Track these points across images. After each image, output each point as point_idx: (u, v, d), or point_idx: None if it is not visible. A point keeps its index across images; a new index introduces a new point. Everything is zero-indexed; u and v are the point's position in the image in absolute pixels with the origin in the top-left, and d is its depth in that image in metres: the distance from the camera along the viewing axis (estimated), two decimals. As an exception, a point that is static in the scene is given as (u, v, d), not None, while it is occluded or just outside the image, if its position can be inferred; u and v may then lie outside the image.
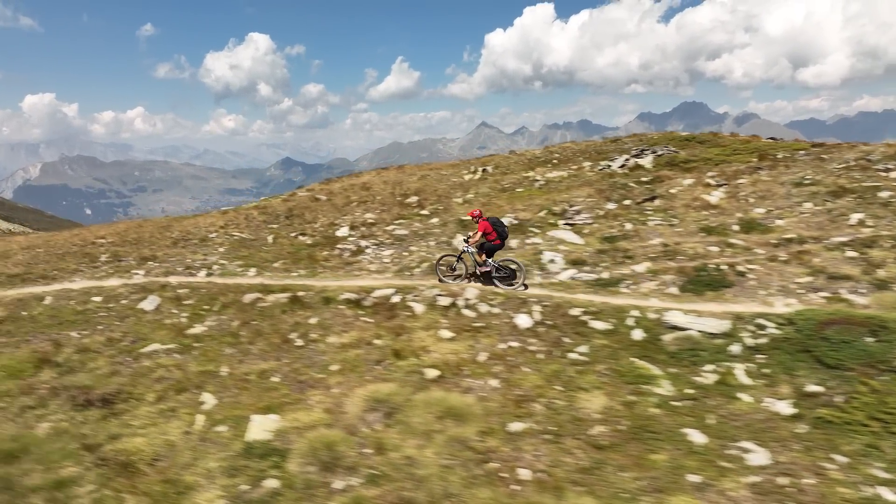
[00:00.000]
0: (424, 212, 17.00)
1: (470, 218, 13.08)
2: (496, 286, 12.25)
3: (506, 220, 15.21)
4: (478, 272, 12.70)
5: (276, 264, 14.39)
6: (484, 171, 21.97)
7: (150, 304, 11.89)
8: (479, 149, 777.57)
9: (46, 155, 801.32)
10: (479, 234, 12.39)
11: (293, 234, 16.43)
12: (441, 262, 13.07)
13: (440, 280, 12.68)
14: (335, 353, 10.15)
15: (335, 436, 7.67)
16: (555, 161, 22.74)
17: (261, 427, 8.11)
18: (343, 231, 16.18)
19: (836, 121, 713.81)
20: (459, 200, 18.01)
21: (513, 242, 14.34)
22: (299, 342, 10.50)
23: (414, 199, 18.14)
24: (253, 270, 13.96)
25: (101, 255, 14.36)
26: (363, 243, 15.15)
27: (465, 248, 12.83)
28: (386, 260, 14.02)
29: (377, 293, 11.91)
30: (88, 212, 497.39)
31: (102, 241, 15.49)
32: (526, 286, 12.33)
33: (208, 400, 8.78)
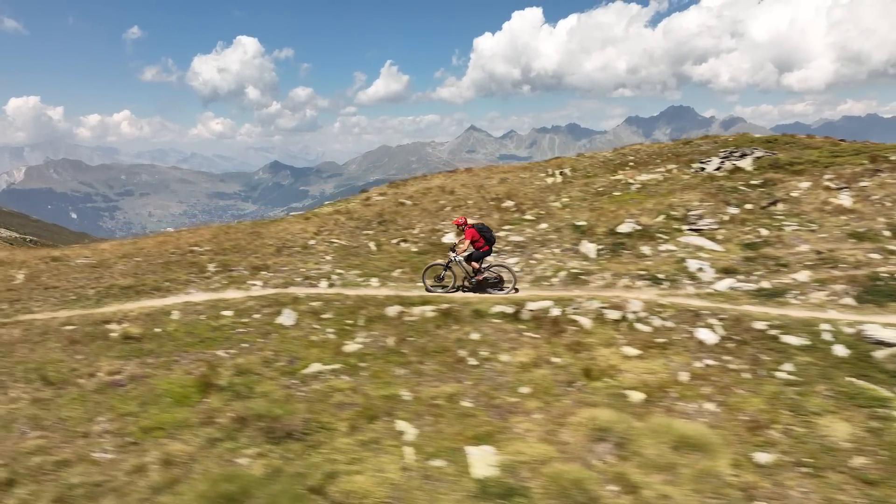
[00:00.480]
0: (528, 217, 16.18)
1: (455, 227, 12.92)
2: (489, 293, 12.22)
3: (628, 226, 14.45)
4: (472, 281, 12.50)
5: (394, 273, 13.50)
6: (562, 173, 21.22)
7: (287, 318, 10.95)
8: (468, 152, 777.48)
9: (31, 158, 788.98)
10: (467, 242, 12.24)
11: (394, 241, 15.54)
12: (428, 271, 12.78)
13: (427, 290, 12.40)
14: (517, 374, 9.30)
15: (576, 471, 6.83)
16: (631, 164, 22.07)
17: (483, 461, 7.24)
18: (449, 238, 15.30)
19: (821, 125, 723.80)
20: (558, 204, 17.22)
21: (645, 249, 13.57)
22: (473, 361, 9.63)
23: (510, 203, 17.31)
24: (374, 280, 13.07)
25: (208, 264, 13.36)
26: (480, 251, 14.27)
27: (453, 258, 12.53)
28: (515, 269, 13.16)
29: (532, 306, 11.07)
30: (74, 216, 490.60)
31: (198, 248, 14.47)
32: (517, 290, 12.22)
33: (406, 429, 7.86)
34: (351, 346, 10.12)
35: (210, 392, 8.68)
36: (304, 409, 8.21)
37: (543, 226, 15.44)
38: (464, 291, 12.46)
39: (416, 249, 15.04)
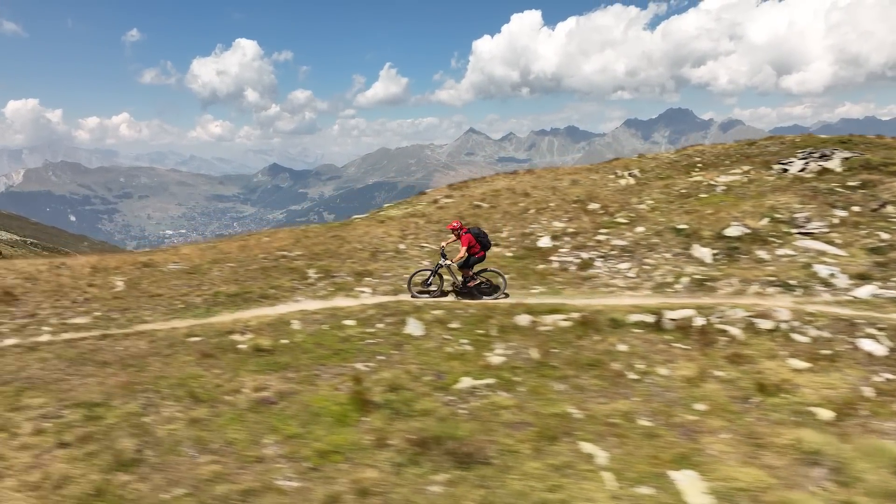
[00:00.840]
0: (620, 220, 15.57)
1: (450, 231, 12.10)
2: (478, 299, 11.77)
3: (736, 230, 13.86)
4: (462, 288, 12.03)
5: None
6: (632, 175, 20.65)
7: (415, 328, 10.32)
8: (467, 155, 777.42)
9: (30, 161, 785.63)
10: (464, 249, 11.71)
11: (486, 246, 14.91)
12: (414, 277, 12.21)
13: (413, 296, 11.81)
14: (686, 389, 8.70)
15: (804, 501, 6.23)
16: (699, 165, 21.52)
17: (693, 488, 6.61)
18: (545, 241, 14.70)
19: (819, 127, 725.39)
20: (644, 207, 16.62)
21: (762, 254, 12.98)
22: (632, 375, 9.02)
23: (595, 205, 16.71)
24: (484, 287, 12.45)
25: (307, 269, 12.72)
26: (584, 255, 13.69)
27: (443, 263, 11.95)
28: (630, 274, 12.57)
29: (672, 314, 10.48)
30: (73, 218, 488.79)
31: (288, 253, 13.83)
32: (507, 295, 11.90)
33: (594, 451, 7.23)
34: (494, 359, 9.50)
35: (368, 410, 8.06)
36: (480, 430, 7.60)
37: (640, 229, 14.84)
38: (456, 297, 11.97)
39: (511, 254, 14.43)
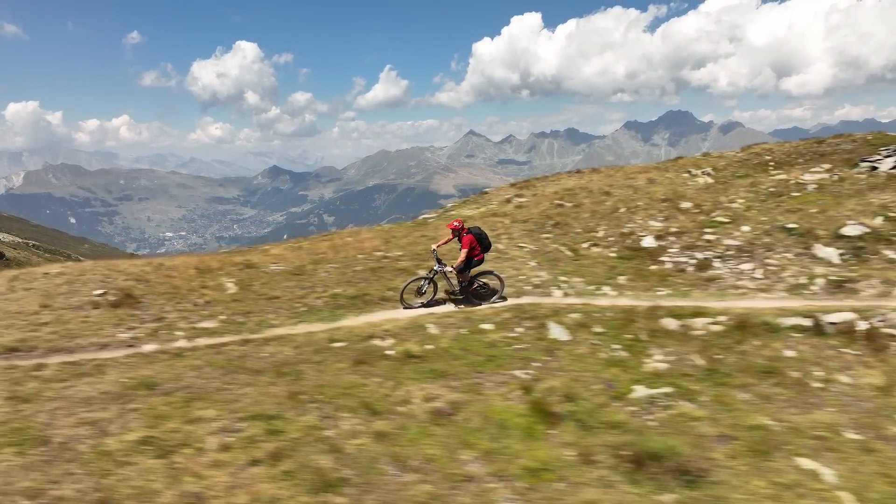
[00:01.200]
0: (721, 218, 14.97)
1: (451, 231, 11.07)
2: (475, 305, 10.94)
3: (854, 229, 13.27)
4: (459, 293, 11.12)
5: (619, 280, 12.28)
6: (706, 173, 20.08)
7: (559, 333, 9.71)
8: (467, 157, 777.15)
9: (30, 163, 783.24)
10: (465, 251, 10.70)
11: (585, 245, 14.31)
12: (408, 287, 11.00)
13: (405, 307, 10.73)
14: (879, 398, 8.12)
15: None
16: (771, 163, 20.99)
17: None
18: (649, 241, 14.08)
19: (819, 129, 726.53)
20: (737, 206, 16.02)
21: (890, 254, 12.38)
22: (815, 384, 8.41)
23: (687, 204, 16.11)
24: (606, 288, 11.84)
25: (417, 270, 12.10)
26: (698, 256, 13.08)
27: (439, 270, 10.98)
28: (757, 275, 11.96)
29: (830, 318, 9.87)
30: (73, 220, 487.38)
31: (388, 254, 13.21)
32: (504, 298, 11.20)
33: (816, 468, 6.62)
34: (656, 365, 8.89)
35: (552, 422, 7.44)
36: (686, 444, 6.97)
37: (745, 228, 14.24)
38: (457, 304, 11.07)
39: (614, 254, 13.82)
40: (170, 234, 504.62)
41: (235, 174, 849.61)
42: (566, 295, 11.43)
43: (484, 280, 11.31)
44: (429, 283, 11.02)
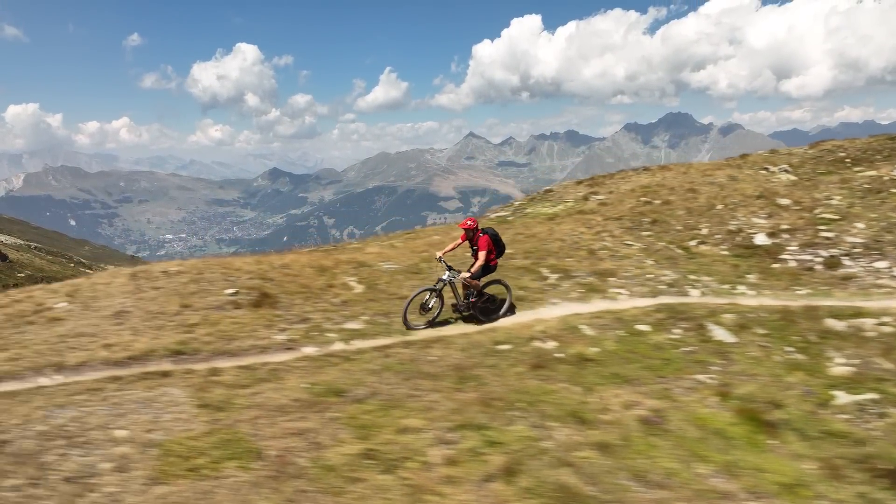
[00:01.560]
0: (828, 215, 14.40)
1: (463, 231, 9.57)
2: (484, 323, 9.34)
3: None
4: (470, 307, 9.44)
5: (750, 278, 11.70)
6: (785, 170, 19.52)
7: (724, 334, 9.11)
8: (467, 159, 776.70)
9: (30, 165, 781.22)
10: (484, 254, 9.15)
11: (693, 243, 13.74)
12: (413, 301, 9.06)
13: (408, 328, 8.86)
14: None
15: None
16: (847, 160, 20.43)
17: None
18: (762, 239, 13.52)
19: (819, 131, 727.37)
20: (836, 203, 15.45)
21: None
22: None
23: (786, 201, 15.54)
24: (741, 287, 11.25)
25: (539, 269, 11.51)
26: (823, 253, 12.52)
27: (448, 279, 9.23)
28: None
29: None
30: (73, 223, 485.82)
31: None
32: (513, 310, 9.64)
33: None
34: (841, 369, 8.30)
35: (769, 431, 6.84)
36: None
37: (860, 225, 13.67)
38: (470, 321, 9.49)
39: (727, 252, 13.25)
40: (170, 237, 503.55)
41: (235, 176, 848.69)
42: (703, 294, 10.85)
43: (492, 292, 9.76)
44: (436, 297, 9.24)
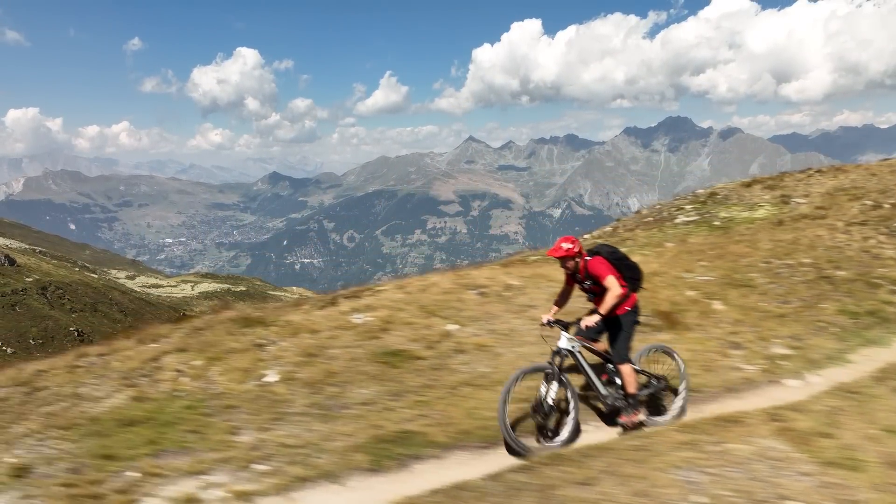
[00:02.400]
0: None
1: (560, 261, 5.52)
2: (646, 425, 5.49)
3: None
4: (628, 400, 5.42)
5: None
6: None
7: None
8: (467, 163, 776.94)
9: (30, 169, 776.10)
10: (613, 279, 5.27)
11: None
12: (512, 389, 5.04)
13: (515, 447, 4.95)
14: None
15: None
16: None
17: None
18: None
19: (818, 135, 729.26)
20: None
21: None
22: None
23: None
24: None
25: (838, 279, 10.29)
26: None
27: (571, 348, 5.30)
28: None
29: None
30: (73, 227, 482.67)
31: (790, 262, 11.39)
32: (684, 408, 5.72)
33: None
34: None
35: None
36: None
37: None
38: (617, 426, 5.59)
39: None
40: (169, 240, 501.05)
41: (235, 180, 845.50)
42: None
43: (651, 372, 5.82)
44: (559, 384, 5.16)
